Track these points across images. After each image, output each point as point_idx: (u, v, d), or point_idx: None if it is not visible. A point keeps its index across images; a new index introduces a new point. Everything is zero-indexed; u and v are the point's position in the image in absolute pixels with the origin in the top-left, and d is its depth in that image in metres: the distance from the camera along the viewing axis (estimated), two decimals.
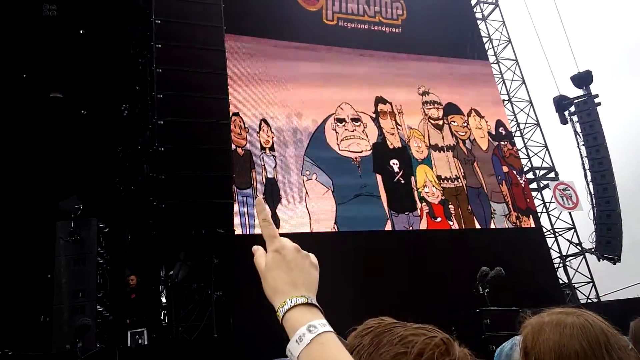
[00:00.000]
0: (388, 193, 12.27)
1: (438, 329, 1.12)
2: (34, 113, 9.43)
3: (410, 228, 12.13)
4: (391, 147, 12.90)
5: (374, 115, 13.00)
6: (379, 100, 13.24)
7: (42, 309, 7.99)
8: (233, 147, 9.81)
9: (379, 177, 12.37)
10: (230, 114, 9.04)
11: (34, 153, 9.30)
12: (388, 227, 11.95)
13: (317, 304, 1.03)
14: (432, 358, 1.01)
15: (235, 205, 9.45)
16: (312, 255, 1.13)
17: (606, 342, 1.33)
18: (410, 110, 13.55)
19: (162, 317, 9.37)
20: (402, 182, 12.59)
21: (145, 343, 7.63)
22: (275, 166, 11.48)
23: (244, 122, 11.44)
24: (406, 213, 12.26)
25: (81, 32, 9.44)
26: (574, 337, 1.35)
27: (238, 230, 9.76)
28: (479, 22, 16.77)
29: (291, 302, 1.03)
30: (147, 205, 8.19)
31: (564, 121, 14.91)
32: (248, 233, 10.51)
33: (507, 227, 13.12)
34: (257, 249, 1.15)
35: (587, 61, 23.37)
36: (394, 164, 12.69)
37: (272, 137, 11.70)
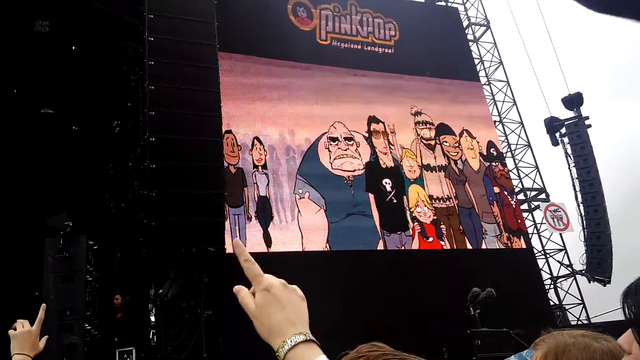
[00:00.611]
0: (380, 212, 12.26)
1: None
2: (25, 129, 9.39)
3: (402, 248, 12.11)
4: (384, 166, 12.93)
5: (366, 135, 13.04)
6: (372, 119, 13.30)
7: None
8: (225, 164, 9.79)
9: (371, 197, 12.37)
10: (223, 131, 9.03)
11: (24, 169, 9.24)
12: (380, 246, 11.92)
13: (314, 338, 1.04)
14: None
15: (227, 224, 9.40)
16: (297, 288, 1.15)
17: None
18: (402, 130, 13.61)
19: (151, 336, 9.25)
20: (395, 201, 12.60)
21: None
22: (267, 184, 11.46)
23: (236, 140, 11.43)
24: (398, 232, 12.25)
25: (73, 48, 9.44)
26: None
27: (229, 249, 9.69)
28: (470, 43, 16.94)
29: (291, 341, 1.04)
30: (137, 222, 8.13)
31: (555, 143, 15.02)
32: None
33: (498, 247, 13.12)
34: (240, 290, 1.13)
35: (578, 83, 23.62)
36: (386, 183, 12.71)
37: (265, 155, 11.70)
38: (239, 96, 11.83)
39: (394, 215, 12.42)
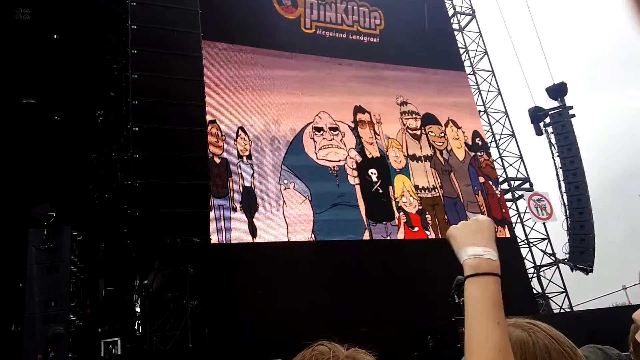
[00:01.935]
0: (366, 202, 12.29)
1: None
2: (6, 118, 9.26)
3: (388, 237, 12.16)
4: (369, 156, 12.95)
5: (352, 125, 13.04)
6: (358, 109, 13.30)
7: (13, 318, 7.81)
8: (210, 155, 9.74)
9: (357, 187, 12.40)
10: (207, 121, 8.97)
11: (6, 159, 9.12)
12: (366, 236, 11.97)
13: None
14: None
15: (212, 214, 9.37)
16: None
17: None
18: (388, 120, 13.63)
19: (136, 327, 9.22)
20: (380, 191, 12.63)
21: (119, 353, 7.50)
22: (252, 175, 11.43)
23: (220, 130, 11.38)
24: (384, 222, 12.29)
25: (55, 36, 9.31)
26: (514, 353, 1.26)
27: (214, 239, 9.67)
28: (455, 33, 16.97)
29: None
30: (121, 213, 8.08)
31: (539, 132, 15.13)
32: (224, 242, 10.43)
33: None
34: None
35: (562, 73, 23.77)
36: (372, 173, 12.73)
37: (250, 145, 11.65)
38: (223, 86, 11.76)
39: (379, 205, 12.46)
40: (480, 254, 1.36)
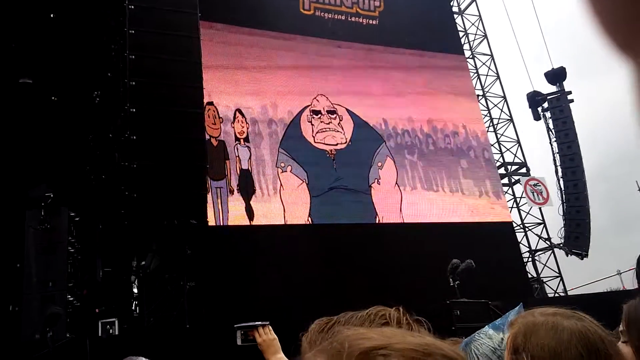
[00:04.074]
0: None
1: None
2: (3, 99, 9.21)
3: (384, 221, 12.21)
4: None
5: (350, 108, 13.00)
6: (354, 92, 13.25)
7: (11, 298, 7.84)
8: (207, 137, 9.73)
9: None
10: (204, 103, 8.95)
11: (2, 140, 9.09)
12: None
13: None
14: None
15: (209, 196, 9.39)
16: None
17: (605, 351, 1.28)
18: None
19: (133, 308, 9.27)
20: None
21: (117, 333, 7.55)
22: (249, 157, 11.42)
23: (218, 112, 11.34)
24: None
25: (52, 15, 9.22)
26: (572, 344, 1.28)
27: (211, 222, 9.70)
28: (455, 16, 16.87)
29: None
30: (118, 194, 8.08)
31: (537, 117, 15.11)
32: (221, 224, 10.45)
33: (479, 221, 13.28)
34: None
35: (561, 57, 23.69)
36: None
37: (247, 128, 11.63)
38: (220, 67, 11.70)
39: None
40: None
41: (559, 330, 1.32)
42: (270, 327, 2.46)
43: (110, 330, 7.57)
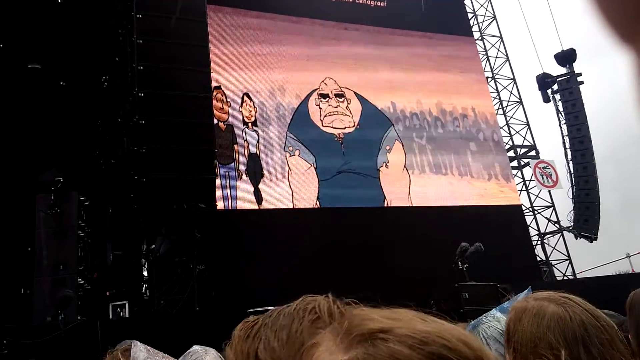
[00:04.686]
0: None
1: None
2: (12, 84, 9.24)
3: (392, 204, 12.21)
4: None
5: (358, 91, 12.94)
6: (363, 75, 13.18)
7: (22, 282, 7.94)
8: (215, 121, 9.73)
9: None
10: (212, 87, 8.94)
11: (12, 125, 9.14)
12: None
13: None
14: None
15: (217, 181, 9.41)
16: None
17: (584, 336, 1.28)
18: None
19: (143, 291, 9.37)
20: None
21: (127, 316, 7.63)
22: (257, 142, 11.43)
23: (226, 96, 11.33)
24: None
25: (59, 1, 9.21)
26: (551, 329, 1.30)
27: (220, 206, 9.74)
28: None
29: None
30: (128, 178, 8.12)
31: (546, 99, 14.99)
32: (230, 208, 10.49)
33: (487, 204, 13.26)
34: None
35: (571, 39, 23.41)
36: None
37: (255, 112, 11.62)
38: (228, 51, 11.66)
39: None
40: None
41: (541, 316, 1.33)
42: None
43: (121, 312, 7.65)
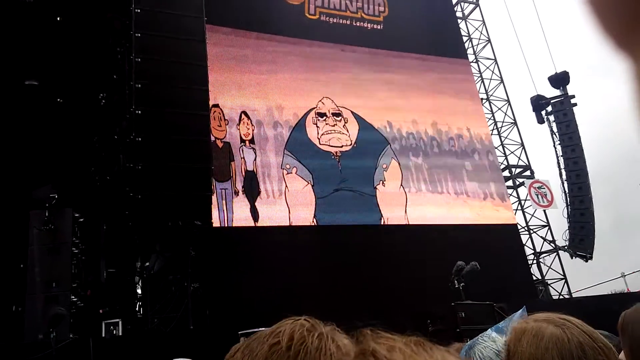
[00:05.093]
0: None
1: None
2: (9, 100, 9.25)
3: (388, 222, 12.21)
4: None
5: (355, 111, 13.01)
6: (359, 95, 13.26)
7: (14, 299, 7.87)
8: (212, 138, 9.75)
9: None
10: (210, 105, 8.97)
11: (8, 141, 9.13)
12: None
13: None
14: (302, 335, 1.04)
15: (214, 198, 9.40)
16: None
17: (581, 358, 1.30)
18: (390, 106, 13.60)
19: (137, 309, 9.29)
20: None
21: (120, 334, 7.56)
22: (254, 159, 11.44)
23: (223, 114, 11.37)
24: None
25: (58, 19, 9.27)
26: (549, 350, 1.31)
27: (216, 223, 9.71)
28: (459, 21, 16.88)
29: None
30: (123, 195, 8.10)
31: (540, 120, 15.10)
32: (226, 226, 10.47)
33: (483, 223, 13.27)
34: None
35: (564, 62, 23.63)
36: None
37: (253, 130, 11.65)
38: (226, 70, 11.73)
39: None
40: None
41: (539, 337, 1.35)
42: None
43: (114, 331, 7.59)
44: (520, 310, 2.01)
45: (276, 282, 9.90)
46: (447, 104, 14.36)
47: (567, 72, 14.98)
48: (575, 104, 14.64)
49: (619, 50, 0.39)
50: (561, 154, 14.50)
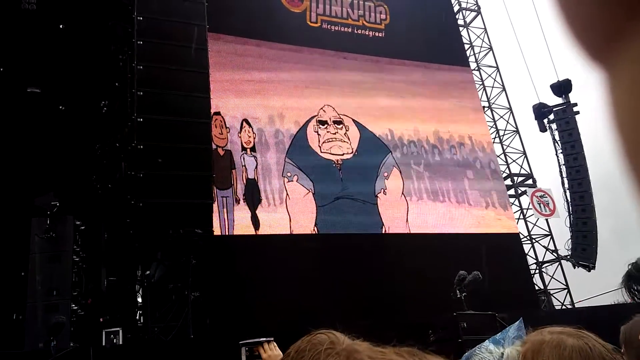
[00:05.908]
0: None
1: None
2: (11, 108, 9.27)
3: (389, 231, 12.17)
4: None
5: (356, 118, 13.01)
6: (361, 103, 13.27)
7: (15, 307, 7.85)
8: (214, 146, 9.75)
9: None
10: (212, 113, 8.98)
11: (10, 148, 9.14)
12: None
13: None
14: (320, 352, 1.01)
15: (215, 206, 9.38)
16: None
17: None
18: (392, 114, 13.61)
19: (137, 317, 9.26)
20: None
21: (121, 343, 7.53)
22: (256, 167, 11.43)
23: (225, 122, 11.38)
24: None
25: (61, 26, 9.30)
26: None
27: (217, 231, 9.69)
28: (461, 28, 16.91)
29: None
30: (124, 203, 8.10)
31: (543, 129, 15.06)
32: (227, 234, 10.45)
33: (485, 232, 13.23)
34: None
35: (567, 69, 23.62)
36: None
37: (254, 138, 11.65)
38: (228, 78, 11.74)
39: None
40: None
41: (562, 347, 1.37)
42: (275, 343, 2.44)
43: (114, 339, 7.55)
44: (518, 321, 2.01)
45: (277, 290, 9.86)
46: (449, 112, 14.36)
47: (569, 80, 14.96)
48: (577, 112, 14.61)
49: (593, 62, 0.38)
50: (563, 162, 14.45)
